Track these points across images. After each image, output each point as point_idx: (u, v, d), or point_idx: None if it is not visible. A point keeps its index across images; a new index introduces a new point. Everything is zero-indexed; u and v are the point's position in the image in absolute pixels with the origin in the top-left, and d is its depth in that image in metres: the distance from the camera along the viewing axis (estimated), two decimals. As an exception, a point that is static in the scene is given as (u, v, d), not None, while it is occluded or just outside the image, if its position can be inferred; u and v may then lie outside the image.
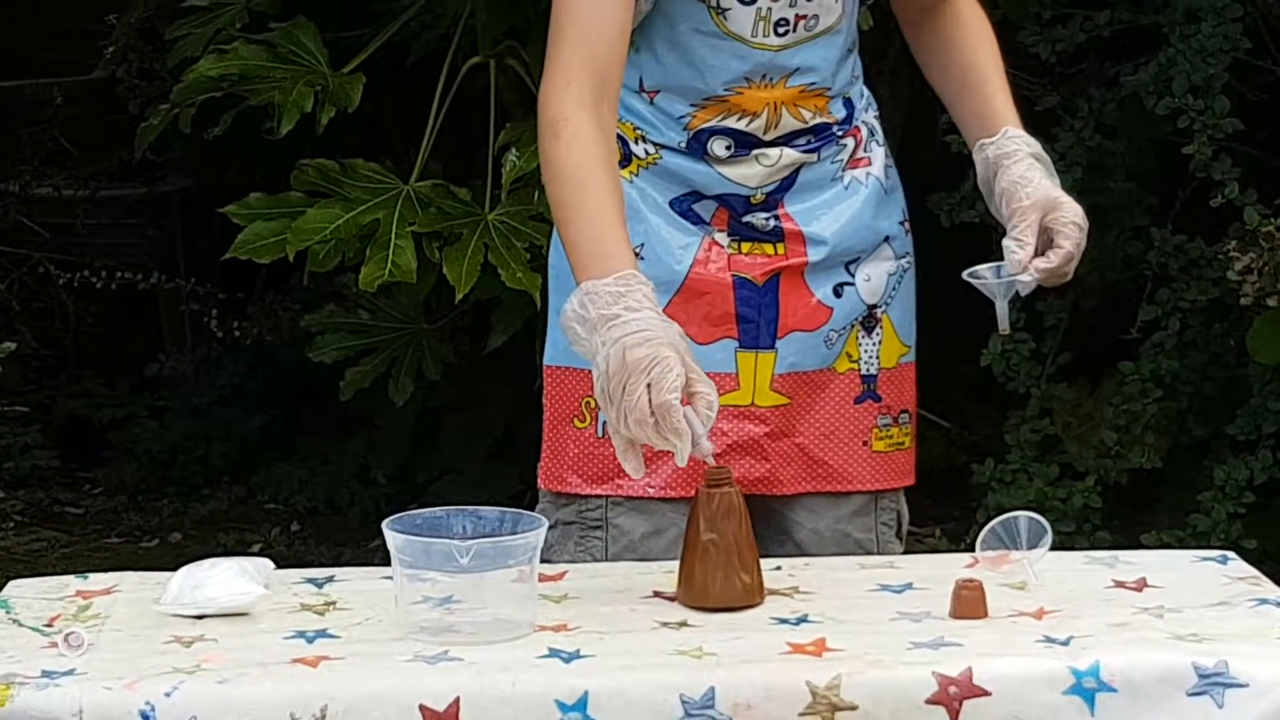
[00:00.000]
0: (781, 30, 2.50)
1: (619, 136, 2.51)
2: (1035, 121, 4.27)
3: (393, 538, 2.13)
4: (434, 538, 2.14)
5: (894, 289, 2.63)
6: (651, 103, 2.55)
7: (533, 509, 5.01)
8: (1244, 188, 3.87)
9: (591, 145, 2.35)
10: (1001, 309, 2.45)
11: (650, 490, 2.55)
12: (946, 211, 4.22)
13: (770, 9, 2.49)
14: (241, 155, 5.16)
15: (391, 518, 2.15)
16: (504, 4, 4.41)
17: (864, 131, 2.62)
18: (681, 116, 2.54)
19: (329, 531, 5.28)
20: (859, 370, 2.61)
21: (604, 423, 2.47)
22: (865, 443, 2.61)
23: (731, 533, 2.23)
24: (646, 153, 2.55)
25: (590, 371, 2.30)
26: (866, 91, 2.66)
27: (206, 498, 5.52)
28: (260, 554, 5.00)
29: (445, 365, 4.65)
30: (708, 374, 2.31)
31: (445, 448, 5.23)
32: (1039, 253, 2.44)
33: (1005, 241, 2.43)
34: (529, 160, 4.12)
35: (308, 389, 5.43)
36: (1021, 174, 2.47)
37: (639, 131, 2.56)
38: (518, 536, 2.15)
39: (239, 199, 4.25)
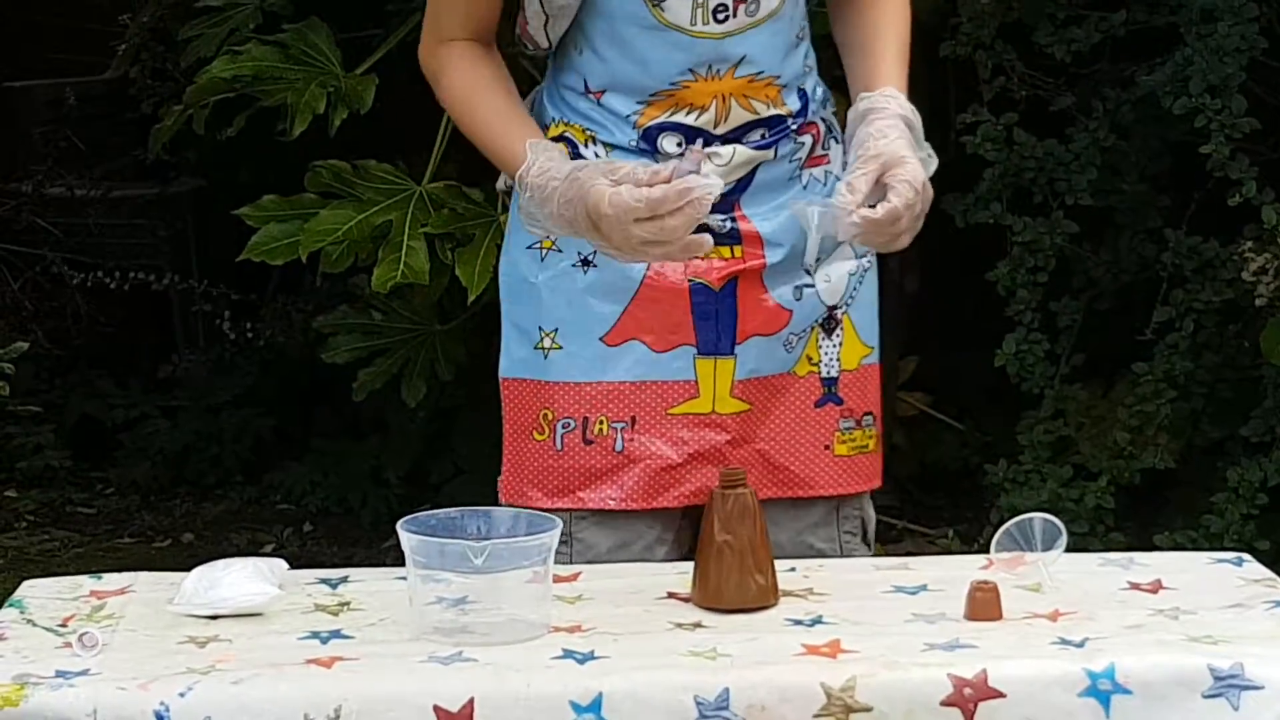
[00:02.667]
0: (721, 16, 2.44)
1: (569, 139, 2.51)
2: (1050, 121, 4.29)
3: (407, 538, 2.13)
4: (448, 538, 2.13)
5: (854, 289, 2.58)
6: (599, 103, 2.50)
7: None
8: (1260, 188, 3.86)
9: (466, 74, 2.51)
10: (813, 242, 2.41)
11: (611, 503, 2.52)
12: (960, 213, 4.22)
13: None
14: (254, 156, 5.16)
15: (406, 518, 2.15)
16: (516, 3, 4.40)
17: (821, 128, 2.57)
18: (629, 115, 2.49)
19: (341, 532, 5.28)
20: (819, 373, 2.57)
21: (562, 435, 2.53)
22: (827, 447, 2.56)
23: (746, 534, 2.23)
24: (597, 155, 2.50)
25: (545, 383, 2.50)
26: (822, 86, 2.61)
27: (219, 498, 5.52)
28: (273, 554, 5.02)
29: (457, 366, 4.64)
30: (668, 383, 2.48)
31: (458, 448, 5.23)
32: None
33: (838, 185, 2.39)
34: (542, 161, 4.11)
35: (320, 390, 5.43)
36: (880, 129, 2.42)
37: (589, 133, 2.51)
38: (532, 537, 2.14)
39: (252, 199, 4.24)
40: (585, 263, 2.50)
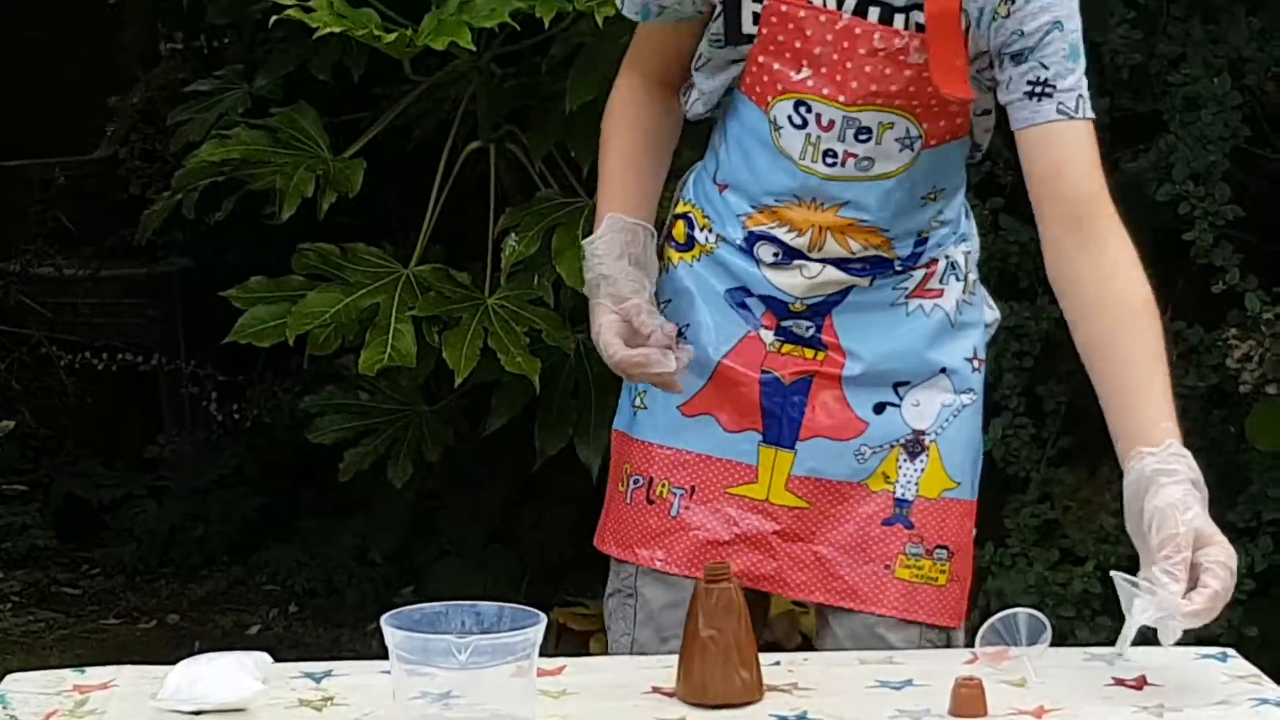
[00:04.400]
0: (830, 161, 2.48)
1: (689, 220, 2.61)
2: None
3: (391, 633, 2.12)
4: (432, 633, 2.13)
5: (947, 420, 2.58)
6: (721, 195, 2.58)
7: (530, 591, 5.03)
8: (1244, 274, 3.88)
9: (622, 108, 2.63)
10: (1128, 632, 2.24)
11: (658, 563, 2.59)
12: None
13: (820, 137, 2.47)
14: (242, 236, 5.17)
15: (390, 613, 2.15)
16: (504, 90, 4.43)
17: (941, 265, 2.58)
18: (740, 215, 2.56)
19: (327, 613, 5.26)
20: (893, 492, 2.56)
21: (632, 490, 2.63)
22: (888, 566, 2.55)
23: (731, 628, 2.23)
24: (708, 240, 2.59)
25: (631, 438, 2.62)
26: (965, 228, 2.61)
27: (205, 579, 5.51)
28: (258, 635, 5.01)
29: (444, 447, 4.65)
30: (732, 462, 2.55)
31: (444, 530, 5.23)
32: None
33: (1155, 571, 2.19)
34: (529, 245, 4.13)
35: (307, 470, 5.43)
36: (1179, 498, 2.19)
37: (707, 220, 2.60)
38: (516, 633, 2.14)
39: (240, 280, 4.26)
40: (679, 334, 2.58)
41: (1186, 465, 2.23)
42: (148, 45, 5.48)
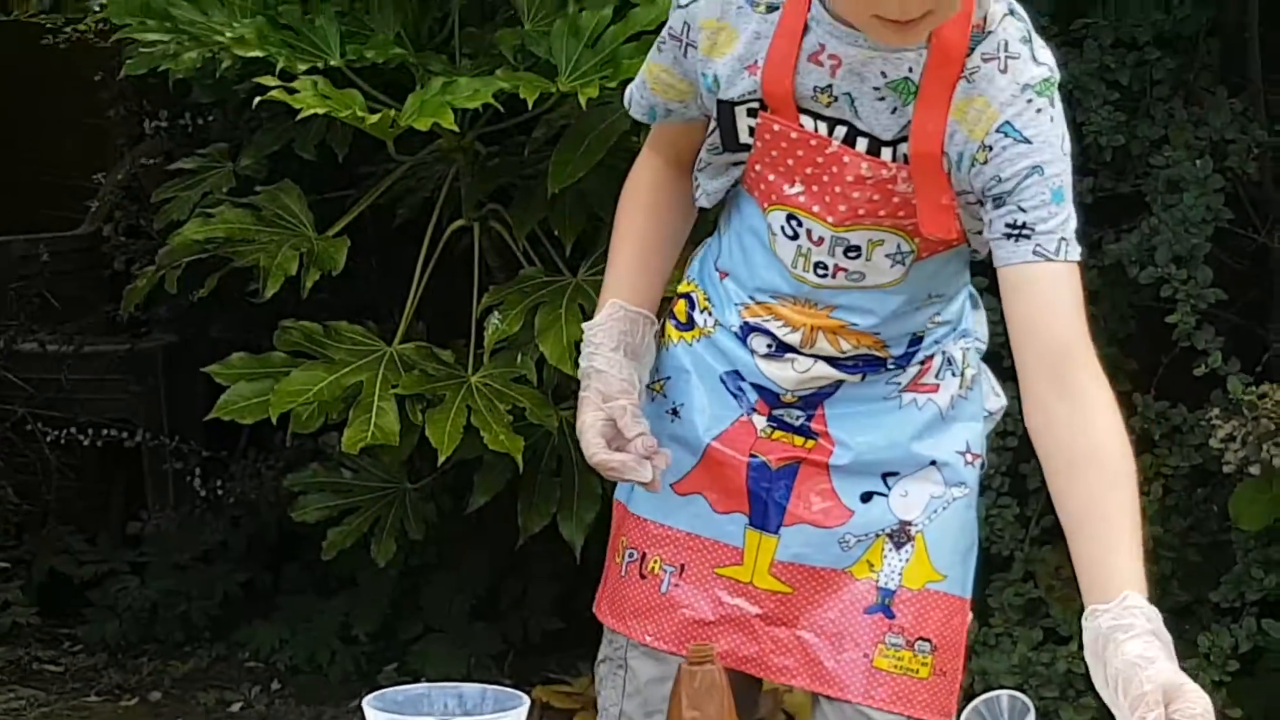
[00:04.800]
0: (821, 274, 2.48)
1: (691, 299, 2.62)
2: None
3: (374, 715, 2.12)
4: (415, 715, 2.12)
5: (935, 511, 2.56)
6: (721, 281, 2.59)
7: (513, 668, 5.01)
8: (1226, 357, 3.89)
9: (637, 189, 2.65)
10: None
11: (648, 638, 2.59)
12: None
13: (810, 250, 2.48)
14: (226, 312, 5.18)
15: (373, 694, 2.14)
16: (488, 168, 4.45)
17: (937, 361, 2.57)
18: (738, 304, 2.56)
19: (310, 690, 5.24)
20: (877, 581, 2.55)
21: (626, 563, 2.63)
22: (867, 655, 2.53)
23: (713, 711, 2.22)
24: (706, 323, 2.60)
25: (628, 511, 2.62)
26: (968, 322, 2.60)
27: (187, 655, 5.48)
28: (241, 713, 4.99)
29: (427, 524, 4.64)
30: (719, 543, 2.55)
31: (427, 606, 5.21)
32: None
33: None
34: (511, 323, 4.14)
35: (290, 547, 5.41)
36: (1139, 653, 2.11)
37: (708, 302, 2.60)
38: (499, 715, 2.13)
39: (223, 355, 4.27)
40: (673, 412, 2.60)
41: (1144, 616, 2.16)
42: (133, 122, 5.49)
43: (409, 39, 4.28)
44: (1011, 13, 2.42)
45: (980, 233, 2.43)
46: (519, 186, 4.43)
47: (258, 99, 3.94)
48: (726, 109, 2.48)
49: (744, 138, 2.49)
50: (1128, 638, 2.13)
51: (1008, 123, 2.37)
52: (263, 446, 5.43)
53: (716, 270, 2.59)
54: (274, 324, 4.32)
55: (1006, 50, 2.39)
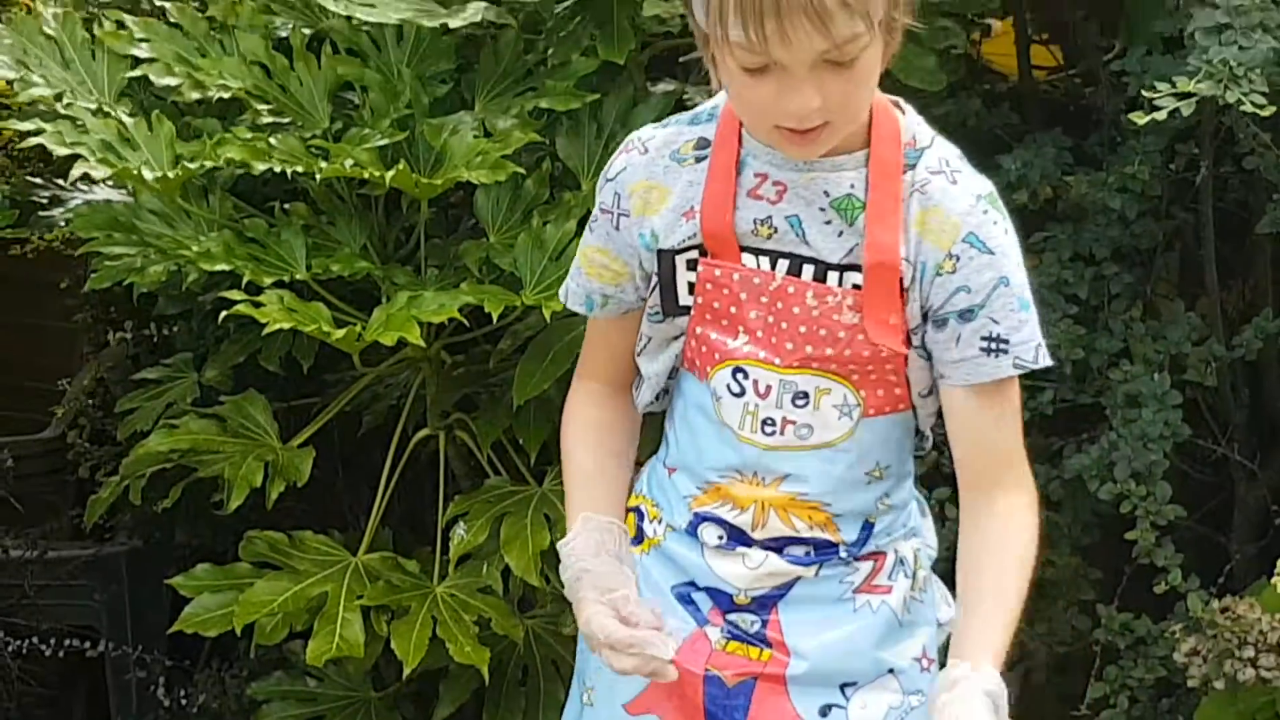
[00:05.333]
0: (769, 430, 2.49)
1: (641, 512, 2.63)
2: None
3: None
4: None
5: None
6: (670, 479, 2.59)
7: None
8: (1187, 573, 3.90)
9: (578, 419, 2.67)
10: None
11: None
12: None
13: (758, 405, 2.48)
14: (191, 519, 5.16)
15: None
16: (454, 377, 4.46)
17: (889, 559, 2.59)
18: (687, 496, 2.56)
19: None
20: None
21: None
22: None
23: None
24: (655, 533, 2.61)
25: None
26: (916, 521, 2.62)
27: None
28: None
29: (392, 733, 4.61)
30: None
31: (392, 812, 5.15)
32: None
33: None
34: (477, 534, 4.13)
35: (254, 755, 5.36)
36: (961, 704, 2.32)
37: (657, 509, 2.61)
38: None
39: (188, 561, 4.27)
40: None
41: (984, 685, 2.32)
42: (99, 329, 5.51)
43: (374, 251, 4.31)
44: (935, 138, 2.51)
45: (930, 393, 2.47)
46: (484, 396, 4.44)
47: (223, 314, 3.96)
48: (667, 260, 2.51)
49: (684, 298, 2.51)
50: (963, 692, 2.31)
51: (972, 233, 2.44)
52: (226, 656, 5.39)
53: (665, 468, 2.59)
54: (239, 529, 4.32)
55: (949, 165, 2.48)
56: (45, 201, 4.87)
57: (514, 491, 4.25)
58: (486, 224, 4.22)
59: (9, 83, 4.40)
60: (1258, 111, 3.23)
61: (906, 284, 2.43)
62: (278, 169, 4.01)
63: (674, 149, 2.53)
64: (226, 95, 4.23)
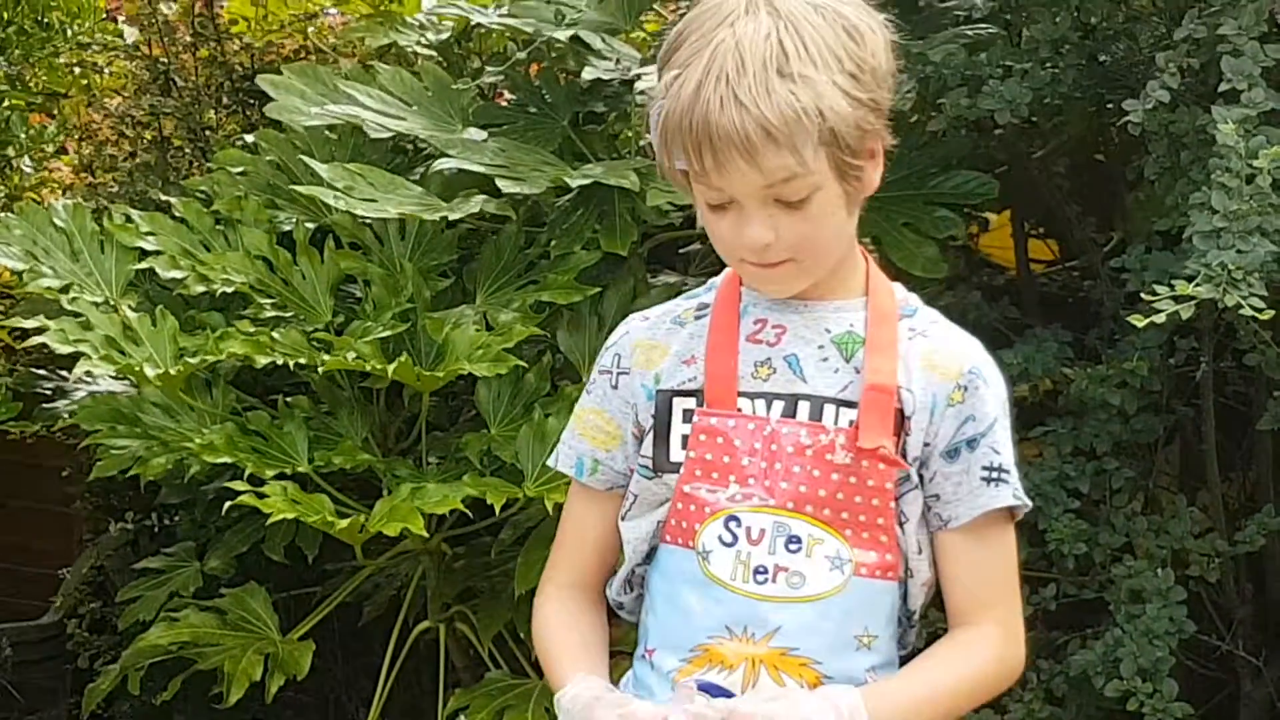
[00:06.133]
0: (760, 579, 2.47)
1: None
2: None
3: None
4: None
5: None
6: (650, 662, 2.55)
7: None
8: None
9: (550, 616, 2.62)
10: None
11: None
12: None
13: (750, 553, 2.47)
14: (189, 709, 5.13)
15: None
16: (455, 569, 4.46)
17: None
18: (670, 671, 2.52)
19: None
20: None
21: None
22: None
23: None
24: None
25: None
26: None
27: None
28: None
29: None
30: None
31: None
32: None
33: None
34: (478, 728, 4.11)
35: None
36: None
37: (640, 697, 2.55)
38: None
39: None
40: None
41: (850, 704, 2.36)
42: (100, 517, 5.51)
43: (376, 443, 4.32)
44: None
45: (920, 551, 2.49)
46: (485, 587, 4.43)
47: (227, 504, 3.96)
48: (665, 402, 2.52)
49: (675, 452, 2.51)
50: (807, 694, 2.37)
51: (977, 365, 2.50)
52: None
53: (643, 657, 2.57)
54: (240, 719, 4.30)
55: (942, 319, 2.56)
56: (49, 393, 4.89)
57: (515, 684, 4.23)
58: (488, 416, 4.23)
59: (17, 274, 4.43)
60: (1257, 315, 3.24)
61: (909, 413, 2.47)
62: (280, 363, 4.03)
63: (674, 315, 2.60)
64: (230, 290, 4.26)
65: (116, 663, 4.59)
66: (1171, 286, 3.26)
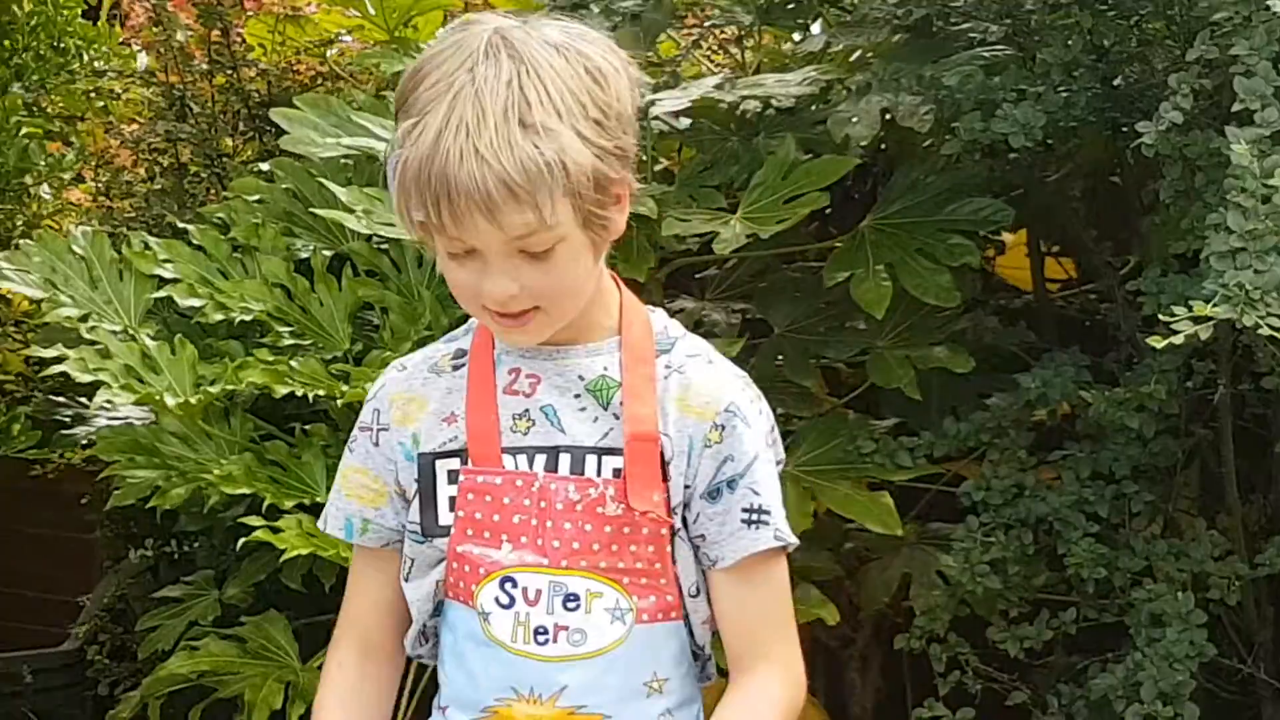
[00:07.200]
0: (541, 639, 2.43)
1: None
2: (1005, 716, 4.30)
3: None
4: None
5: None
6: (445, 715, 2.51)
7: None
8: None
9: (325, 692, 2.56)
10: None
11: None
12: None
13: (528, 614, 2.42)
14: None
15: None
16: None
17: None
18: None
19: None
20: None
21: None
22: None
23: None
24: None
25: None
26: None
27: None
28: None
29: None
30: None
31: None
32: None
33: None
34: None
35: None
36: None
37: None
38: None
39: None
40: None
41: None
42: (118, 544, 5.51)
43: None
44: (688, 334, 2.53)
45: (698, 594, 2.47)
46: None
47: (242, 540, 3.96)
48: (427, 467, 2.47)
49: (444, 516, 2.46)
50: None
51: (734, 403, 2.44)
52: None
53: (440, 709, 2.52)
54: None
55: (704, 352, 2.50)
56: (68, 420, 4.89)
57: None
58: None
59: (35, 302, 4.44)
60: (1276, 334, 3.24)
61: (668, 458, 2.42)
62: (299, 393, 4.03)
63: (432, 363, 2.53)
64: (248, 318, 4.27)
65: (137, 690, 4.60)
66: (1189, 308, 3.26)
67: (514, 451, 2.44)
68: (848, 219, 4.48)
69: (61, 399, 4.98)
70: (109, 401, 4.09)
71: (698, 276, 4.81)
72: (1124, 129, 4.02)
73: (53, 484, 5.77)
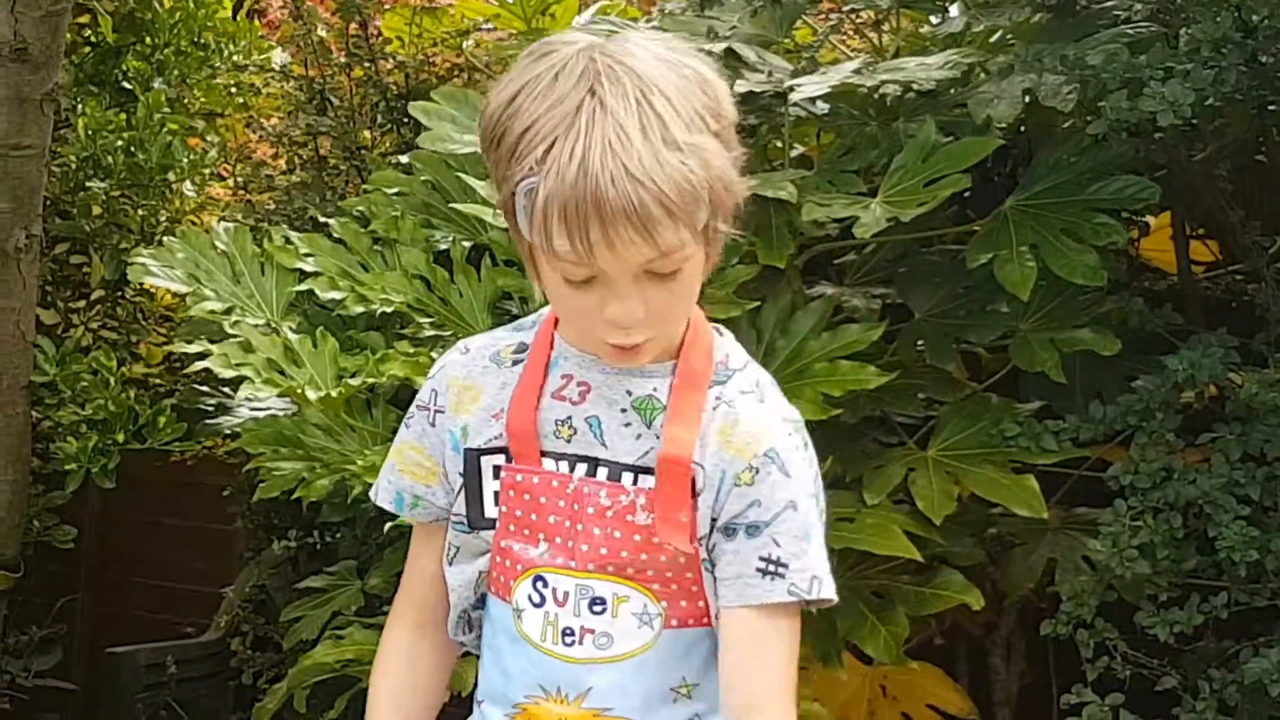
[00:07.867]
0: (568, 640, 2.42)
1: None
2: (1156, 701, 4.25)
3: None
4: None
5: None
6: (480, 711, 2.51)
7: None
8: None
9: (381, 669, 2.57)
10: None
11: None
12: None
13: (557, 614, 2.41)
14: (354, 726, 5.17)
15: None
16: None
17: None
18: None
19: None
20: None
21: None
22: None
23: None
24: None
25: None
26: None
27: None
28: None
29: None
30: None
31: None
32: None
33: None
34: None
35: None
36: None
37: None
38: None
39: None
40: None
41: None
42: (260, 535, 5.56)
43: (536, 460, 4.32)
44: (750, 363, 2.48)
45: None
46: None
47: (388, 525, 3.97)
48: (473, 461, 2.46)
49: (489, 509, 2.45)
50: None
51: (774, 449, 2.38)
52: None
53: (478, 703, 2.51)
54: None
55: (759, 388, 2.44)
56: (211, 409, 4.94)
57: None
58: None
59: (179, 296, 4.48)
60: None
61: (699, 488, 2.38)
62: (442, 383, 4.04)
63: (494, 351, 2.51)
64: (389, 310, 4.29)
65: (279, 680, 4.64)
66: (1343, 288, 3.21)
67: (555, 457, 2.43)
68: (987, 202, 4.45)
69: (205, 388, 5.03)
70: (253, 395, 4.11)
71: (836, 262, 4.78)
72: (1271, 106, 3.96)
73: (193, 475, 5.83)
